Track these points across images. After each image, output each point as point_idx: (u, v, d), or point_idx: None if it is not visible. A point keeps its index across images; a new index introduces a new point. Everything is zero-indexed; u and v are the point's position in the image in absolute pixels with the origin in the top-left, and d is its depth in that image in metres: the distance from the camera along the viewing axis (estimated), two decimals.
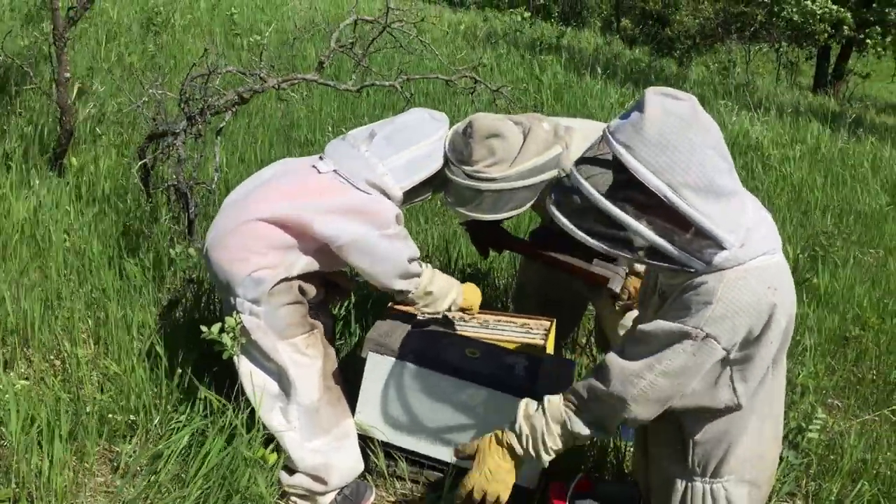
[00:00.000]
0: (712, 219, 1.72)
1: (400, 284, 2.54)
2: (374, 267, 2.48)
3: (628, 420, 1.92)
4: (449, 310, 2.75)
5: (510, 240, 3.11)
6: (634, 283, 2.76)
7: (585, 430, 1.96)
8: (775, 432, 2.08)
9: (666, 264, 1.79)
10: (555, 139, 2.55)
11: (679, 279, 1.85)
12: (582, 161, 1.82)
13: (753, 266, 1.79)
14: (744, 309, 1.77)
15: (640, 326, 1.90)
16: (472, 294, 2.80)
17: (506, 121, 2.54)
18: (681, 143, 1.70)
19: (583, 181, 1.76)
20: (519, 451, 2.00)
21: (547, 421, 1.98)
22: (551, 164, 2.51)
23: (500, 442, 2.03)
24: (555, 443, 1.97)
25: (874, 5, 14.01)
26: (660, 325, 1.85)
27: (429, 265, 2.66)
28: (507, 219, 2.68)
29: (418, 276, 2.58)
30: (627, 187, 1.73)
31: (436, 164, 2.57)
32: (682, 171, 1.69)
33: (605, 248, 1.79)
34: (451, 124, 2.65)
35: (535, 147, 2.51)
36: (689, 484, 2.05)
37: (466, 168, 2.50)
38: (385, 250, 2.46)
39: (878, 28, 13.72)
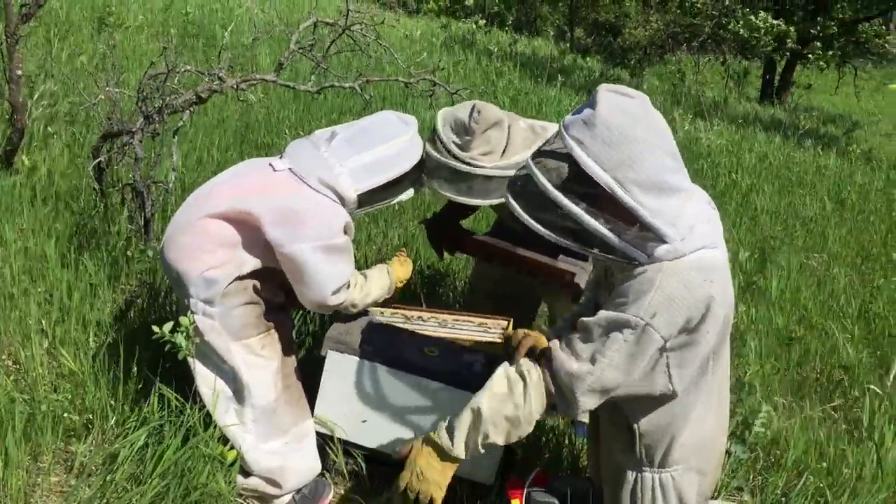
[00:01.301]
0: (656, 214, 1.80)
1: (333, 300, 2.49)
2: (308, 284, 2.43)
3: (571, 409, 1.95)
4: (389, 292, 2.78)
5: (470, 240, 3.15)
6: None
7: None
8: (720, 423, 2.15)
9: (611, 256, 1.86)
10: (534, 136, 2.65)
11: (624, 271, 1.92)
12: (538, 154, 1.89)
13: (692, 258, 1.86)
14: (681, 298, 1.83)
15: (583, 319, 1.95)
16: (401, 269, 2.84)
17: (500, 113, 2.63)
18: (630, 139, 1.78)
19: (537, 172, 1.84)
20: (448, 449, 1.99)
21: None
22: None
23: (430, 442, 2.02)
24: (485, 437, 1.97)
25: (818, 19, 14.44)
26: (601, 314, 1.90)
27: (355, 272, 2.62)
28: (482, 206, 2.74)
29: (347, 287, 2.54)
30: (578, 180, 1.80)
31: (399, 169, 2.55)
32: (630, 167, 1.77)
33: (554, 237, 1.87)
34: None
35: (522, 142, 2.60)
36: (639, 475, 2.11)
37: (463, 153, 2.55)
38: (322, 271, 2.41)
39: (819, 43, 14.15)
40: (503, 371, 2.01)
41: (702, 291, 1.84)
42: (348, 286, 2.54)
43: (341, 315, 2.76)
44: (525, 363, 2.00)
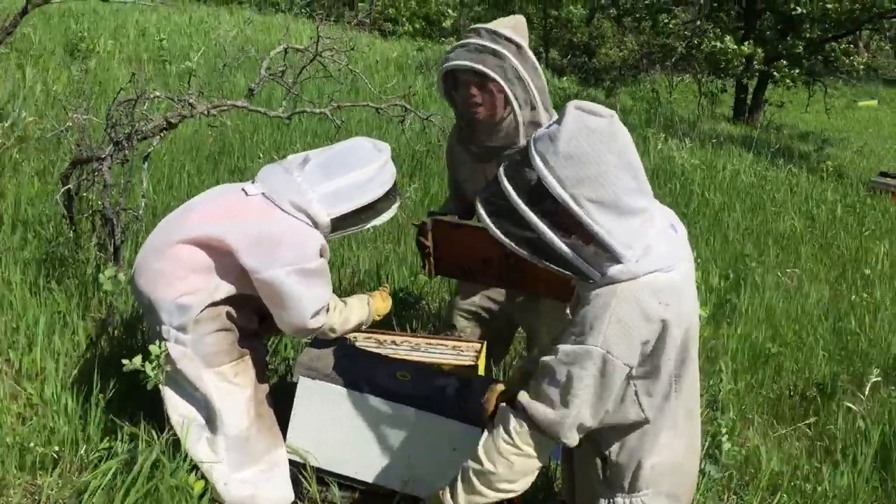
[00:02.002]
0: (612, 233, 1.81)
1: (312, 324, 2.50)
2: (286, 309, 2.43)
3: (560, 445, 1.97)
4: (368, 320, 2.76)
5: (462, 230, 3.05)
6: None
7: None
8: (692, 445, 2.14)
9: (567, 271, 1.87)
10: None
11: (584, 290, 1.93)
12: (510, 163, 1.91)
13: (646, 281, 1.86)
14: (636, 323, 1.83)
15: (544, 359, 1.96)
16: (381, 304, 2.82)
17: None
18: (591, 158, 1.78)
19: (505, 180, 1.86)
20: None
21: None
22: None
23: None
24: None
25: (787, 39, 14.68)
26: (561, 349, 1.90)
27: (333, 296, 2.61)
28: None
29: (327, 310, 2.54)
30: (541, 193, 1.82)
31: (371, 194, 2.54)
32: (588, 186, 1.78)
33: (515, 247, 1.88)
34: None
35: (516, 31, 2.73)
36: (611, 500, 2.10)
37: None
38: (299, 295, 2.41)
39: (785, 62, 14.38)
40: (482, 448, 2.03)
41: (656, 314, 1.85)
42: (327, 310, 2.53)
43: (314, 341, 2.74)
44: (500, 429, 2.00)
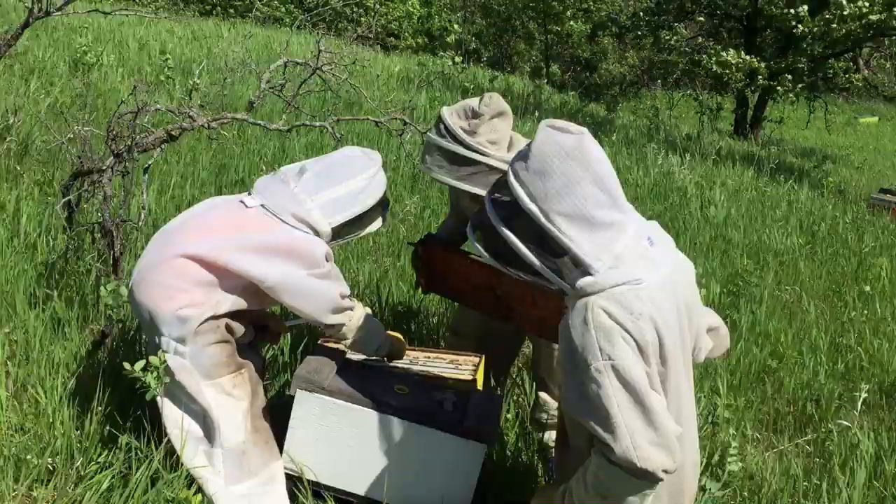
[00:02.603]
0: (580, 245, 1.87)
1: (332, 319, 2.54)
2: (305, 305, 2.48)
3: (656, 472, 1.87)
4: (378, 354, 2.77)
5: (461, 260, 3.10)
6: None
7: None
8: (686, 455, 2.10)
9: (541, 281, 1.94)
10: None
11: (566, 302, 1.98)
12: (496, 183, 2.01)
13: (616, 293, 1.87)
14: (614, 330, 1.84)
15: (563, 407, 2.02)
16: (398, 344, 2.85)
17: None
18: (559, 172, 1.87)
19: (487, 199, 1.97)
20: None
21: None
22: None
23: None
24: None
25: (789, 55, 14.75)
26: (572, 386, 1.92)
27: (360, 303, 2.68)
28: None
29: (351, 309, 2.59)
30: (513, 208, 1.91)
31: (370, 200, 2.60)
32: (556, 199, 1.86)
33: (493, 261, 1.97)
34: (384, 164, 2.71)
35: (518, 142, 2.74)
36: None
37: (469, 139, 2.67)
38: (315, 288, 2.46)
39: (789, 76, 14.42)
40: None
41: (629, 326, 1.85)
42: (351, 310, 2.58)
43: (313, 353, 2.75)
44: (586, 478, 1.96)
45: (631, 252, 1.93)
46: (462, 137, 2.70)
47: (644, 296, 1.89)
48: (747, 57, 13.90)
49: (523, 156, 1.92)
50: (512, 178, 1.91)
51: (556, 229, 1.86)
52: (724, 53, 13.95)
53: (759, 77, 14.38)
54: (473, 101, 2.75)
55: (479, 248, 1.97)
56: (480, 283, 2.96)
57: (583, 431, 2.04)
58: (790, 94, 14.49)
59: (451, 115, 2.75)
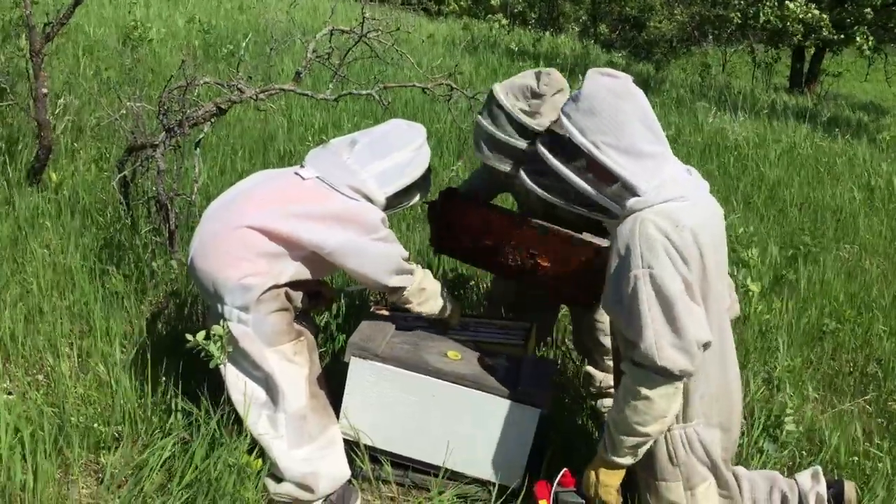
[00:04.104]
0: (630, 172, 2.10)
1: (395, 281, 2.59)
2: (367, 267, 2.52)
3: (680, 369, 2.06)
4: (441, 315, 2.79)
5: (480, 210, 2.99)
6: None
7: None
8: (731, 376, 2.29)
9: (594, 211, 2.20)
10: None
11: (612, 229, 2.19)
12: (547, 131, 2.35)
13: (662, 208, 2.10)
14: (657, 241, 2.04)
15: (602, 306, 2.24)
16: (455, 313, 2.87)
17: None
18: (607, 109, 2.10)
19: (539, 143, 2.24)
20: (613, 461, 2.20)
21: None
22: None
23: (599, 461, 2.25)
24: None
25: (847, 6, 14.17)
26: (613, 288, 2.13)
27: (419, 266, 2.71)
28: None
29: (411, 272, 2.64)
30: (571, 148, 2.15)
31: (418, 171, 2.65)
32: (606, 133, 2.09)
33: (551, 197, 2.24)
34: (428, 132, 2.71)
35: None
36: (668, 434, 2.22)
37: (532, 122, 2.58)
38: (376, 250, 2.52)
39: (865, 27, 13.78)
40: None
41: (674, 236, 2.05)
42: (412, 273, 2.63)
43: (364, 321, 2.78)
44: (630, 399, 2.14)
45: (674, 177, 2.16)
46: (523, 120, 2.57)
47: (688, 211, 2.10)
48: (812, 7, 13.34)
49: (574, 98, 2.14)
50: (565, 120, 2.14)
51: (608, 159, 2.09)
52: (789, 3, 13.39)
53: (823, 28, 13.80)
54: (530, 80, 2.61)
55: (535, 188, 2.25)
56: (495, 240, 2.90)
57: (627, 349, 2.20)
58: (864, 46, 13.78)
59: (507, 95, 2.61)
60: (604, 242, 2.71)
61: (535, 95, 2.60)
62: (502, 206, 3.16)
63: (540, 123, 2.58)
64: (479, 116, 2.68)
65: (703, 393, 2.20)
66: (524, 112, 2.60)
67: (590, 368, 3.22)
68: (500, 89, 2.65)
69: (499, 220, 2.89)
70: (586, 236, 2.75)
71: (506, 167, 2.64)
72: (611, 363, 2.98)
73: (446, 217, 2.99)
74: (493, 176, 2.91)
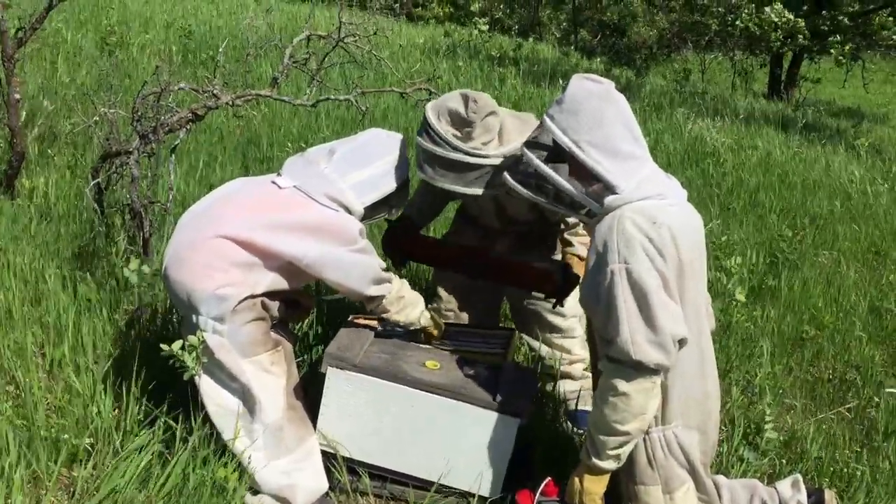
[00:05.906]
0: (609, 171, 2.14)
1: (374, 290, 2.57)
2: (345, 278, 2.51)
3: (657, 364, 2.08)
4: (420, 324, 2.76)
5: (434, 247, 3.17)
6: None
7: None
8: (708, 378, 2.29)
9: (573, 211, 2.25)
10: (520, 122, 2.70)
11: (591, 227, 2.22)
12: (529, 137, 2.31)
13: (640, 205, 2.13)
14: (635, 238, 2.07)
15: (580, 302, 2.28)
16: (434, 324, 2.84)
17: None
18: (590, 110, 2.15)
19: (524, 147, 2.27)
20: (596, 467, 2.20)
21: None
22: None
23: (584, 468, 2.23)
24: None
25: (824, 12, 14.30)
26: (591, 283, 2.16)
27: (397, 276, 2.70)
28: (475, 195, 2.68)
29: (390, 281, 2.62)
30: (555, 150, 2.20)
31: (397, 182, 2.63)
32: (587, 132, 2.14)
33: (535, 197, 2.27)
34: (407, 138, 2.69)
35: (513, 128, 2.64)
36: (647, 437, 2.22)
37: (465, 145, 2.55)
38: (354, 261, 2.49)
39: (838, 37, 13.93)
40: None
41: (652, 233, 2.07)
42: (389, 282, 2.61)
43: (341, 331, 2.74)
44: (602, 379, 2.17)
45: (653, 176, 2.21)
46: (456, 145, 2.55)
47: (666, 210, 2.14)
48: (790, 15, 13.44)
49: (558, 101, 2.20)
50: (548, 121, 2.20)
51: (589, 158, 2.14)
52: (766, 9, 13.49)
53: (800, 36, 13.91)
54: (457, 104, 2.57)
55: (519, 188, 2.27)
56: (453, 267, 3.09)
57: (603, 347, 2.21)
58: (838, 56, 13.90)
59: (440, 122, 2.58)
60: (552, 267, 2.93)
61: (465, 123, 2.55)
62: (459, 236, 3.20)
63: (474, 147, 2.56)
64: (419, 138, 2.63)
65: (680, 393, 2.20)
66: (456, 137, 2.56)
67: (533, 342, 3.22)
68: (431, 114, 2.62)
69: (456, 253, 3.06)
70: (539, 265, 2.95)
71: (456, 186, 2.61)
72: (557, 339, 3.14)
73: (403, 248, 3.08)
74: (435, 192, 2.85)
